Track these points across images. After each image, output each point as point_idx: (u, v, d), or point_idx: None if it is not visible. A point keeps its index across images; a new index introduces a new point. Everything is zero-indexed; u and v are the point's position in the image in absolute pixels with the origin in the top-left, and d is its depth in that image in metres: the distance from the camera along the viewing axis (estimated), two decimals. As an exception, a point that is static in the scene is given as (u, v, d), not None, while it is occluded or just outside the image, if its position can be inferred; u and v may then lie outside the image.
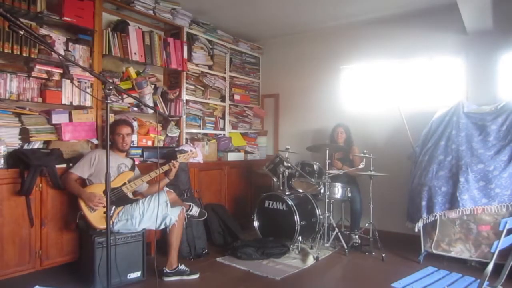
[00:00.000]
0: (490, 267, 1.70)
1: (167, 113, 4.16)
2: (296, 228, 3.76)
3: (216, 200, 4.40)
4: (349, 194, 4.01)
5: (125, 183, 2.99)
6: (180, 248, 3.26)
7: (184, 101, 4.30)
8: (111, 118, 3.45)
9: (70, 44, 3.27)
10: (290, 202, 3.84)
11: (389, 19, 4.47)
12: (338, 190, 3.96)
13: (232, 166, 4.70)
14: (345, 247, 3.76)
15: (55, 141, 3.14)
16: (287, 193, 4.01)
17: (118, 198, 2.92)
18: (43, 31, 3.12)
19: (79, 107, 3.33)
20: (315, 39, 5.13)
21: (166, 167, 3.19)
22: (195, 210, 3.33)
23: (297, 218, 3.77)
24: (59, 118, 3.15)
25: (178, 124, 4.30)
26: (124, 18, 3.88)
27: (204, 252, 3.67)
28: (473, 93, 4.02)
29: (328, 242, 3.88)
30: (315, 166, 4.09)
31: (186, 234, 3.57)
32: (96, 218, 2.81)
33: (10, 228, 2.73)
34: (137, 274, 2.94)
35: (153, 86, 4.09)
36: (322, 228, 3.88)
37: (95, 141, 3.40)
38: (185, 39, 4.29)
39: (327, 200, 3.89)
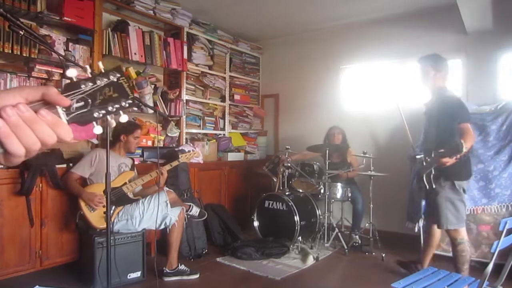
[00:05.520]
0: (490, 267, 1.70)
1: (167, 113, 4.16)
2: (296, 228, 3.76)
3: (216, 200, 4.39)
4: (349, 194, 4.01)
5: (125, 183, 2.99)
6: (180, 248, 3.26)
7: (184, 101, 4.30)
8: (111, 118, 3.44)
9: (70, 44, 3.27)
10: (290, 202, 3.84)
11: (389, 19, 4.47)
12: (338, 190, 3.96)
13: (232, 166, 4.70)
14: (345, 247, 3.76)
15: (55, 141, 3.13)
16: (287, 193, 4.01)
17: (118, 198, 2.91)
18: (43, 31, 3.12)
19: (79, 107, 3.32)
20: (315, 39, 5.12)
21: (154, 174, 3.05)
22: (195, 210, 3.33)
23: (297, 218, 3.77)
24: (59, 118, 3.14)
25: (178, 124, 4.30)
26: (124, 18, 3.88)
27: (204, 252, 3.68)
28: (473, 93, 4.01)
29: (328, 242, 3.88)
30: (315, 166, 4.09)
31: (186, 234, 3.58)
32: (95, 218, 2.81)
33: (10, 228, 2.73)
34: (137, 274, 2.94)
35: (153, 86, 4.09)
36: (322, 228, 3.88)
37: (95, 141, 3.40)
38: (185, 39, 4.29)
39: (327, 200, 3.89)
